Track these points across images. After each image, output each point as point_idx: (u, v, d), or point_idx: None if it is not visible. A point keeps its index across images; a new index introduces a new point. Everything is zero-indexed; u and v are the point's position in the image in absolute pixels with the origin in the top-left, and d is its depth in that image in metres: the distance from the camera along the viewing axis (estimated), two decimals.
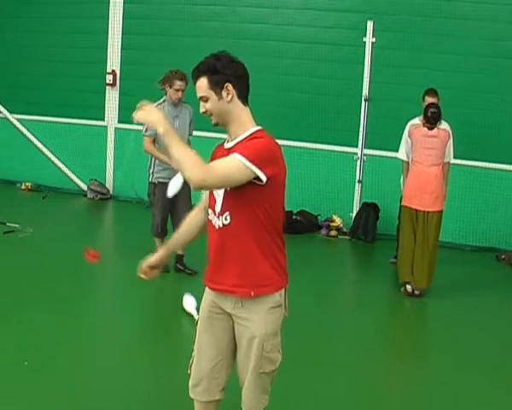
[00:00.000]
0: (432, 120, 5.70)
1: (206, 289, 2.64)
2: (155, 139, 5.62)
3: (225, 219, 2.45)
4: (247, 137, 2.45)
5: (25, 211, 8.15)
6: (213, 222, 2.52)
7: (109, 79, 9.11)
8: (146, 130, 5.57)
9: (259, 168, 2.32)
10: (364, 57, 7.94)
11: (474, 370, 4.39)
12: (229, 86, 2.43)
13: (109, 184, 9.40)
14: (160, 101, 5.73)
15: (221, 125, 2.51)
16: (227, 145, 2.52)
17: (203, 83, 2.43)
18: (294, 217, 7.98)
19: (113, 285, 5.89)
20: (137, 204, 8.87)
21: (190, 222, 2.72)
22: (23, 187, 9.43)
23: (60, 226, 7.63)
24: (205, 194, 2.65)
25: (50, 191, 9.33)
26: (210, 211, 2.54)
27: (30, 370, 3.84)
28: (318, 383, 4.01)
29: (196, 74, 2.46)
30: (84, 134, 9.34)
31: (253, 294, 2.48)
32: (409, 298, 5.79)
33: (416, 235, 5.77)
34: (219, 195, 2.47)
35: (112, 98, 9.21)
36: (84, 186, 9.41)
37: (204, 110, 2.47)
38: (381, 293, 5.98)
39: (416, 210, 5.76)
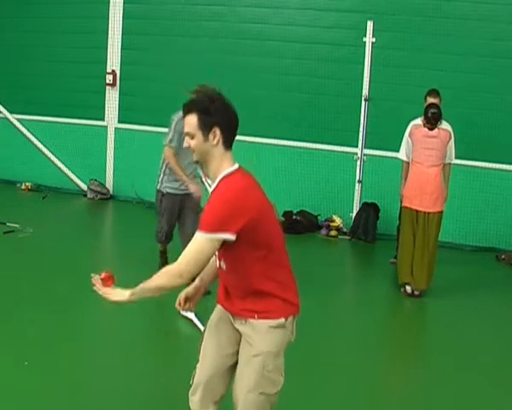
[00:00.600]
0: (432, 121, 5.69)
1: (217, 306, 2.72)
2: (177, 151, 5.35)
3: (222, 264, 2.53)
4: (218, 184, 2.45)
5: (25, 211, 8.15)
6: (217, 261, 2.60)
7: (109, 79, 9.11)
8: (170, 141, 5.32)
9: (224, 231, 2.35)
10: (364, 57, 7.94)
11: (474, 370, 4.39)
12: (217, 131, 2.42)
13: (109, 184, 9.40)
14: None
15: (197, 162, 2.52)
16: (210, 189, 2.52)
17: (193, 120, 2.42)
18: (294, 217, 7.97)
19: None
20: (137, 204, 8.88)
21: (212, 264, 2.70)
22: (23, 187, 9.43)
23: (60, 226, 7.63)
24: None
25: (50, 191, 9.32)
26: None
27: (30, 370, 3.84)
28: (318, 383, 4.01)
29: (188, 109, 2.44)
30: (84, 134, 9.34)
31: (256, 316, 2.51)
32: (409, 298, 5.79)
33: (415, 235, 5.78)
34: None
35: (112, 98, 9.21)
36: (84, 186, 9.41)
37: (187, 145, 2.48)
38: (381, 293, 5.98)
39: (417, 211, 5.75)
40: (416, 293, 5.80)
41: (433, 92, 6.19)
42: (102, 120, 9.27)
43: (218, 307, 2.68)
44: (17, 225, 7.04)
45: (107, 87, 9.15)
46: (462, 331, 5.13)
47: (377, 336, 5.00)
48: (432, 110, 5.71)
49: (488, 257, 7.40)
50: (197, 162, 2.52)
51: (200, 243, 2.36)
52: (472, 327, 5.25)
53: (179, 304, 2.75)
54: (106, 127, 9.28)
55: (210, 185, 2.53)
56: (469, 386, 4.12)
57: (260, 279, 2.48)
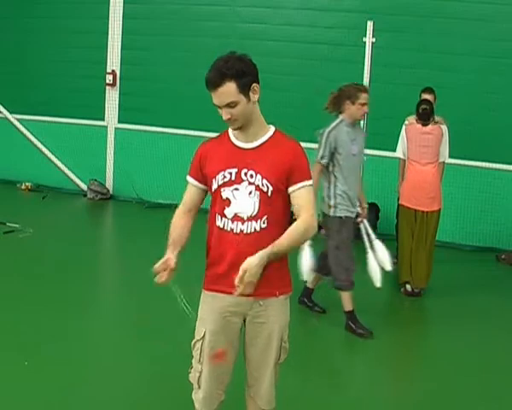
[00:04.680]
0: (424, 117, 5.72)
1: (214, 295, 2.54)
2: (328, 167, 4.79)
3: (263, 222, 2.46)
4: (274, 136, 2.50)
5: (25, 211, 8.16)
6: (233, 227, 2.46)
7: (109, 79, 9.11)
8: (322, 157, 4.77)
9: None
10: (364, 57, 7.94)
11: (475, 370, 4.39)
12: (256, 86, 2.40)
13: (109, 183, 9.40)
14: (337, 121, 4.83)
15: (240, 127, 2.45)
16: (245, 145, 2.48)
17: (231, 88, 2.33)
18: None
19: (114, 285, 5.89)
20: (137, 204, 8.88)
21: (184, 228, 2.58)
22: (23, 187, 9.43)
23: (60, 227, 7.63)
24: (189, 197, 2.60)
25: (50, 191, 9.32)
26: (221, 217, 2.48)
27: (30, 370, 3.84)
28: (317, 383, 4.01)
29: (220, 80, 2.32)
30: (84, 134, 9.34)
31: (278, 293, 2.54)
32: (409, 298, 5.78)
33: (413, 234, 5.78)
34: (252, 199, 2.44)
35: (112, 98, 9.21)
36: (84, 186, 9.41)
37: (229, 117, 2.39)
38: (381, 293, 5.96)
39: (415, 210, 5.76)
40: (415, 291, 5.79)
41: (428, 90, 6.24)
42: (102, 120, 9.28)
43: (215, 303, 2.53)
44: (17, 225, 7.04)
45: (107, 87, 9.15)
46: (463, 332, 5.11)
47: (377, 336, 4.98)
48: (423, 106, 5.75)
49: (488, 257, 7.39)
50: (238, 128, 2.44)
51: (311, 190, 2.58)
52: (472, 327, 5.23)
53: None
54: (106, 127, 9.28)
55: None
56: (469, 386, 4.12)
57: None
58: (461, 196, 7.59)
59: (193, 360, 2.63)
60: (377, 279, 4.77)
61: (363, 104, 4.73)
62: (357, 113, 4.75)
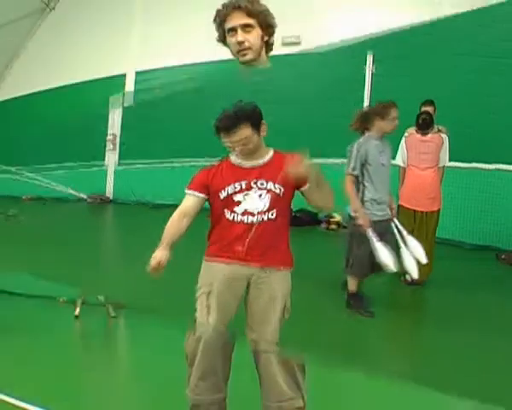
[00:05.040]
0: (423, 126, 5.76)
1: (217, 264, 2.76)
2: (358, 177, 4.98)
3: (271, 214, 2.71)
4: (274, 156, 2.76)
5: (25, 212, 8.20)
6: (243, 218, 2.70)
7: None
8: (353, 169, 4.93)
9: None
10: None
11: (475, 370, 4.38)
12: (264, 124, 2.70)
13: (109, 192, 9.54)
14: (365, 136, 4.97)
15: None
16: (251, 164, 2.72)
17: (246, 130, 2.63)
18: (294, 214, 7.97)
19: (114, 285, 5.88)
20: (136, 206, 8.92)
21: (180, 228, 2.77)
22: (24, 198, 9.90)
23: (60, 227, 7.66)
24: (187, 205, 2.77)
25: (52, 200, 9.49)
26: (230, 212, 2.70)
27: (30, 369, 3.83)
28: (317, 376, 4.01)
29: (236, 124, 2.61)
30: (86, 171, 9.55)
31: (282, 268, 2.79)
32: (409, 297, 5.78)
33: (413, 232, 5.78)
34: (262, 201, 2.69)
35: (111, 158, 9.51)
36: (84, 196, 9.60)
37: (239, 150, 2.66)
38: (381, 287, 5.94)
39: (415, 210, 5.78)
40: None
41: (428, 102, 6.25)
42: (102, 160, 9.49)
43: (219, 271, 2.74)
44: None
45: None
46: (462, 331, 5.09)
47: (376, 333, 4.98)
48: (423, 116, 5.84)
49: (488, 257, 7.38)
50: (249, 153, 2.69)
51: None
52: (472, 327, 5.21)
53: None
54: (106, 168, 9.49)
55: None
56: (469, 386, 4.11)
57: (288, 229, 2.82)
58: (461, 196, 7.60)
59: (197, 306, 2.77)
60: (414, 271, 4.92)
61: (394, 118, 4.93)
62: (387, 126, 4.93)
